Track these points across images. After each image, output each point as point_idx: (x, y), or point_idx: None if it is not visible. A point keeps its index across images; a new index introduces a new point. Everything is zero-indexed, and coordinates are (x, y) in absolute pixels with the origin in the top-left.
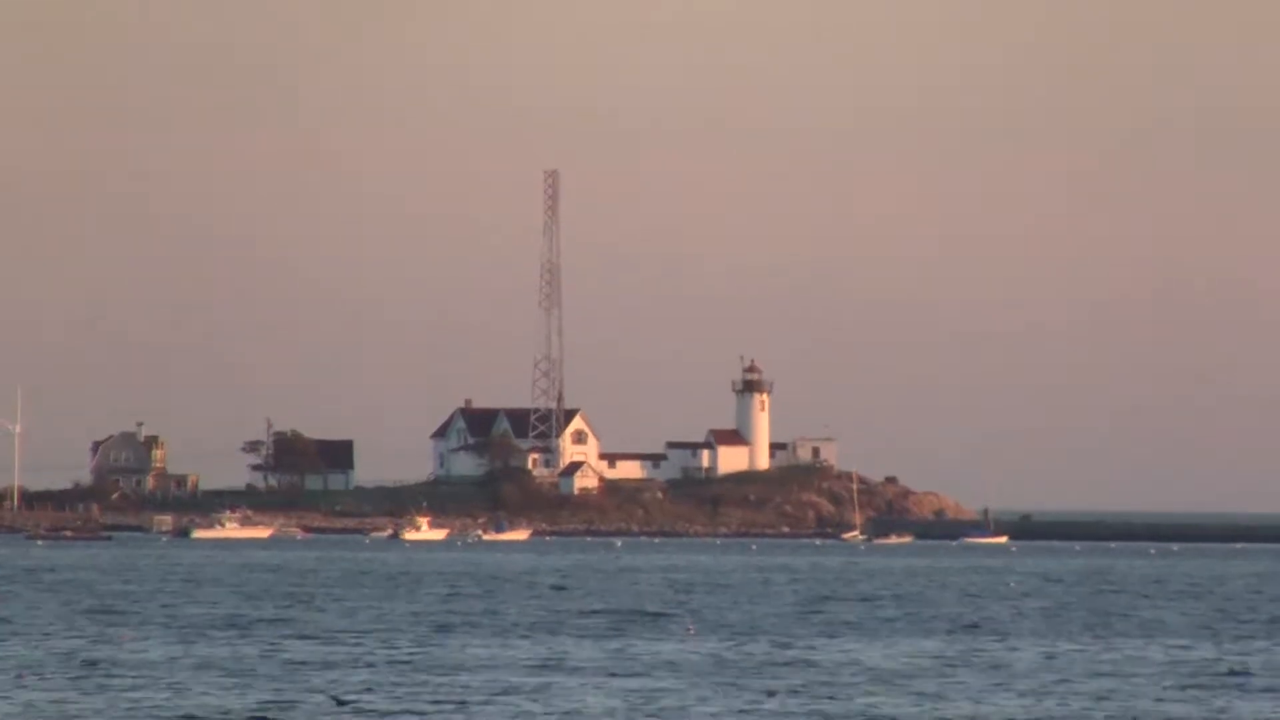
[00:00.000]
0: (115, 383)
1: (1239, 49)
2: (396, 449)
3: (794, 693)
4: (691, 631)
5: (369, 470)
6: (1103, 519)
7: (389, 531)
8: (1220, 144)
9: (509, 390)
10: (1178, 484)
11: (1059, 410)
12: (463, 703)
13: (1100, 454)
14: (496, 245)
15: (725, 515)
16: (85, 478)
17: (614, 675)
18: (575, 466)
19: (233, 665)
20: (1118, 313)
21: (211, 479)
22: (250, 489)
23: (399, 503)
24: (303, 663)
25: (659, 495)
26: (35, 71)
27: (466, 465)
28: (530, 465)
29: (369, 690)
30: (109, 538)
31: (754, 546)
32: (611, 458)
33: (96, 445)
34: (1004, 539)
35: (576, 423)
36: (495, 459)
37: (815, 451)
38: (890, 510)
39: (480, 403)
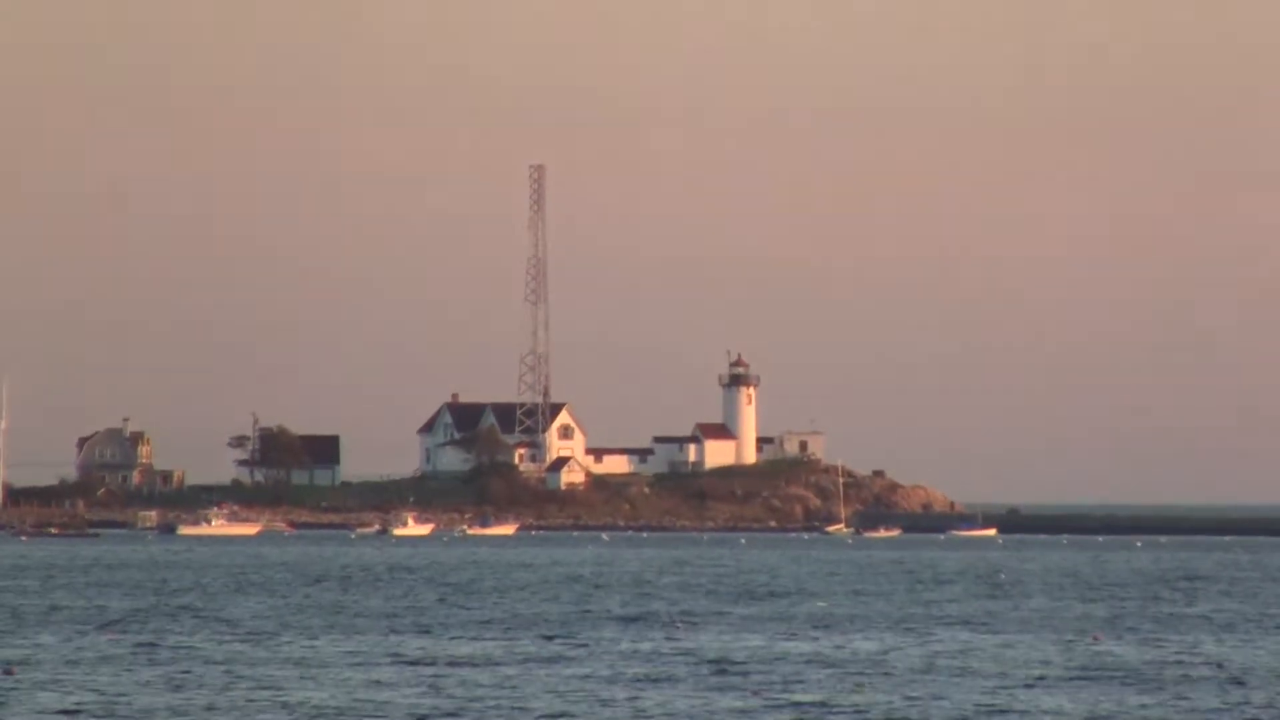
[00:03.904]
0: (101, 379)
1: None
2: (383, 444)
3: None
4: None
5: (355, 466)
6: (1089, 511)
7: (376, 527)
8: (1208, 134)
9: (495, 385)
10: (1161, 477)
11: (1045, 404)
12: None
13: (1085, 448)
14: (482, 240)
15: (712, 509)
16: (71, 474)
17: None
18: (562, 461)
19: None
20: (1103, 307)
21: (197, 475)
22: (236, 484)
23: (386, 498)
24: None
25: (646, 490)
26: (17, 65)
27: (453, 460)
28: (517, 460)
29: None
30: (96, 535)
31: (742, 540)
32: (598, 452)
33: (82, 441)
34: (993, 531)
35: (563, 417)
36: (482, 454)
37: (802, 445)
38: (878, 503)
39: (467, 397)
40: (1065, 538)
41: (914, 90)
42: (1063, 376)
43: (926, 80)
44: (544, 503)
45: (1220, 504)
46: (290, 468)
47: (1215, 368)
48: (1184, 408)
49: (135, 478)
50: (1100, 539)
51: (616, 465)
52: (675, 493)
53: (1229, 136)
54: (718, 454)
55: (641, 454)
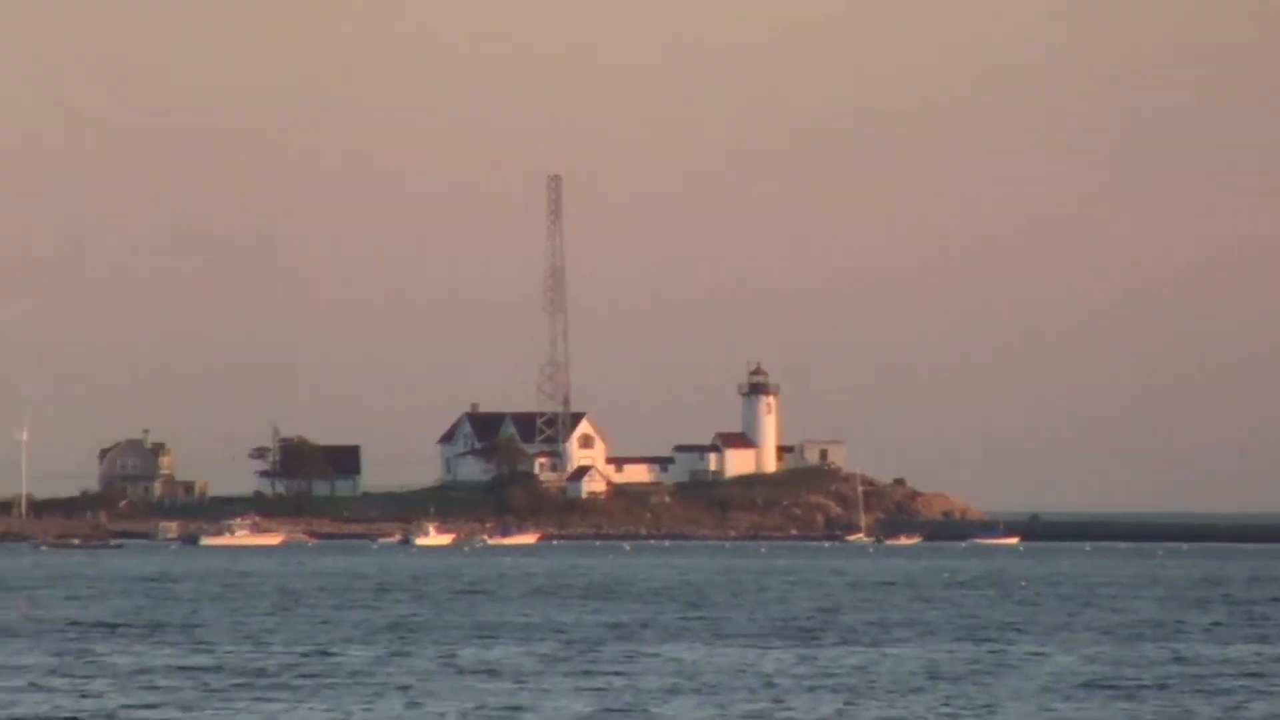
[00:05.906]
0: (122, 390)
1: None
2: (403, 454)
3: None
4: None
5: (376, 476)
6: (1110, 519)
7: (398, 537)
8: (1220, 145)
9: (515, 394)
10: (1183, 484)
11: (1067, 411)
12: None
13: (1107, 454)
14: (501, 249)
15: (733, 518)
16: (92, 485)
17: None
18: (583, 470)
19: None
20: (1126, 313)
21: (219, 486)
22: (258, 495)
23: (406, 508)
24: None
25: (667, 499)
26: (39, 68)
27: (474, 470)
28: (537, 469)
29: None
30: (119, 546)
31: (763, 549)
32: (619, 461)
33: (104, 453)
34: (1015, 540)
35: (583, 426)
36: (502, 463)
37: (823, 454)
38: (899, 512)
39: (487, 407)
40: (1089, 545)
41: (939, 96)
42: (1087, 382)
43: (951, 85)
44: (565, 512)
45: (1252, 512)
46: (311, 478)
47: (1244, 375)
48: (1213, 415)
49: (157, 489)
50: (1121, 546)
51: (637, 474)
52: (696, 502)
53: (1232, 140)
54: (738, 463)
55: (662, 463)
